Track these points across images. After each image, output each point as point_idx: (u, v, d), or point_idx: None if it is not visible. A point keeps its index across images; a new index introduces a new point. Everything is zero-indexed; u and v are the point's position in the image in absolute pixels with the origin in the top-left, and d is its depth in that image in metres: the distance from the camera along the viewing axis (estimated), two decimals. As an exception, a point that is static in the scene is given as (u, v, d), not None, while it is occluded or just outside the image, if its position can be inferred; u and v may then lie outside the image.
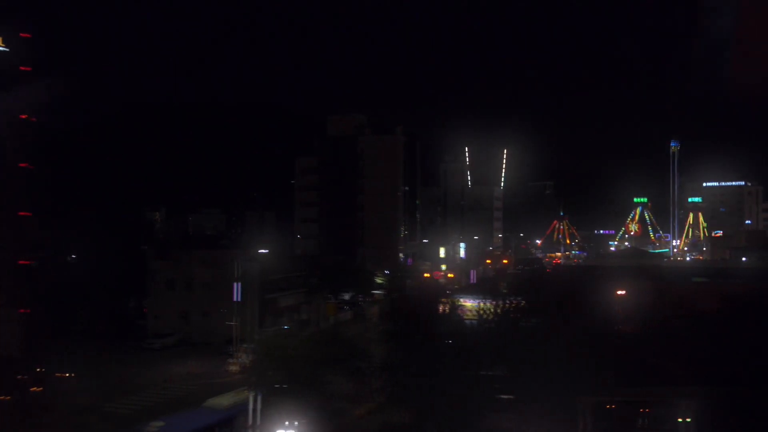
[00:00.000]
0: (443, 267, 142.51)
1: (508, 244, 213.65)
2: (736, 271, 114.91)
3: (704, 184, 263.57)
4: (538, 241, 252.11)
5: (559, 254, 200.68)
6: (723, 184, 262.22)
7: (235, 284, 66.77)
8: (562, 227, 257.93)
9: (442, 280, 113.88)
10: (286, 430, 31.35)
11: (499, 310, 42.16)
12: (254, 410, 33.53)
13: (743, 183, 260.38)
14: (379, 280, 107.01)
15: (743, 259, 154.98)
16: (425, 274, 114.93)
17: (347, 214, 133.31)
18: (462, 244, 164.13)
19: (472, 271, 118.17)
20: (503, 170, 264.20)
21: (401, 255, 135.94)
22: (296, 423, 31.61)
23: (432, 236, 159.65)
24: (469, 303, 56.98)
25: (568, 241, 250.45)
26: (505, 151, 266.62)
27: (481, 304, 47.62)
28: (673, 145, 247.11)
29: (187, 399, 54.15)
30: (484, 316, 42.88)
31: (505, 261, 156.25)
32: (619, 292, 70.55)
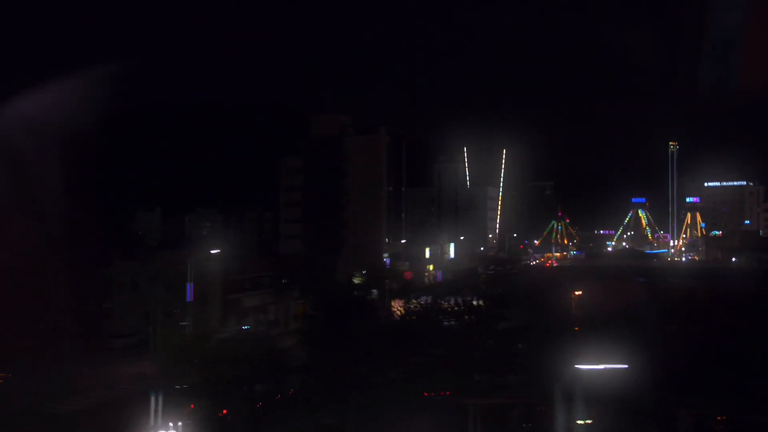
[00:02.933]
0: (430, 267, 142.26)
1: (503, 245, 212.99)
2: (717, 272, 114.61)
3: (705, 184, 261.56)
4: (536, 241, 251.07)
5: (550, 254, 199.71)
6: (724, 183, 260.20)
7: (188, 284, 66.69)
8: (560, 227, 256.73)
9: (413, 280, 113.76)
10: (167, 431, 31.22)
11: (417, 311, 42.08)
12: (156, 410, 33.28)
13: (745, 183, 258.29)
14: (356, 280, 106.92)
15: (733, 259, 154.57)
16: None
17: (330, 215, 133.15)
18: (452, 245, 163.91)
19: (438, 271, 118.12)
20: (502, 170, 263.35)
21: (386, 255, 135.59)
22: (180, 423, 31.46)
23: (423, 237, 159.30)
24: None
25: (566, 242, 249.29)
26: (504, 151, 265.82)
27: (411, 305, 47.54)
28: (672, 145, 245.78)
29: (132, 400, 53.98)
30: (407, 317, 42.80)
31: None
32: (576, 293, 70.45)
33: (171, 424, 31.23)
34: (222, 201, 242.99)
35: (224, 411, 38.14)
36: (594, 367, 21.50)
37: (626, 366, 21.67)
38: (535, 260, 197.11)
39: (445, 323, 41.59)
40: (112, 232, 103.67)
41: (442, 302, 44.01)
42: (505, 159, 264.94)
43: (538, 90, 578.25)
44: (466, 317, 41.06)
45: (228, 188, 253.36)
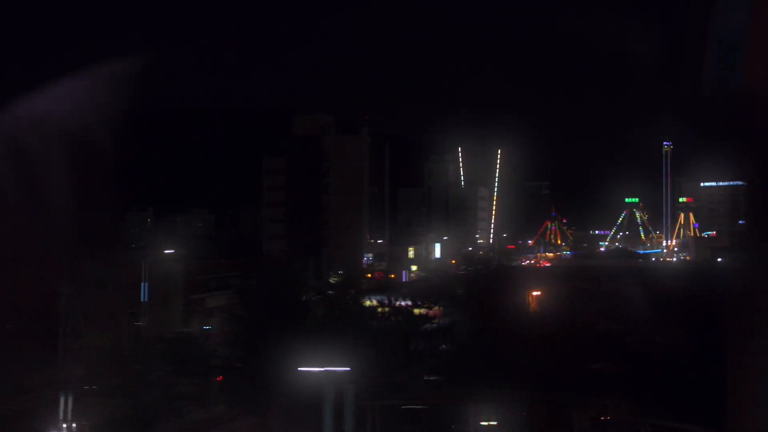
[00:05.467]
0: (414, 268, 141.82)
1: (495, 245, 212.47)
2: (692, 272, 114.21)
3: (702, 184, 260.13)
4: (530, 242, 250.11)
5: (541, 254, 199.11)
6: (720, 184, 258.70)
7: (142, 284, 66.57)
8: (554, 227, 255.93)
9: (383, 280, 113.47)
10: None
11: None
12: (65, 410, 33.19)
13: (741, 183, 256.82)
14: (332, 280, 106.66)
15: (719, 259, 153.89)
16: (367, 275, 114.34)
17: (312, 215, 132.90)
18: (437, 245, 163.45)
19: (403, 271, 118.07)
20: (497, 170, 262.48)
21: (369, 255, 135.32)
22: (74, 425, 31.27)
23: (410, 237, 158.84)
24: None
25: (559, 242, 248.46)
26: (500, 150, 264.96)
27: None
28: (666, 145, 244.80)
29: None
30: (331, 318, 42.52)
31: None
32: (534, 293, 70.06)
33: (65, 426, 31.05)
34: (217, 201, 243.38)
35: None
36: (316, 369, 21.38)
37: (348, 369, 21.54)
38: (528, 260, 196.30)
39: (373, 323, 41.32)
40: (86, 232, 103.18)
41: (365, 301, 43.74)
42: (500, 159, 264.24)
43: (536, 89, 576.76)
44: (393, 318, 40.83)
45: (223, 189, 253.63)
